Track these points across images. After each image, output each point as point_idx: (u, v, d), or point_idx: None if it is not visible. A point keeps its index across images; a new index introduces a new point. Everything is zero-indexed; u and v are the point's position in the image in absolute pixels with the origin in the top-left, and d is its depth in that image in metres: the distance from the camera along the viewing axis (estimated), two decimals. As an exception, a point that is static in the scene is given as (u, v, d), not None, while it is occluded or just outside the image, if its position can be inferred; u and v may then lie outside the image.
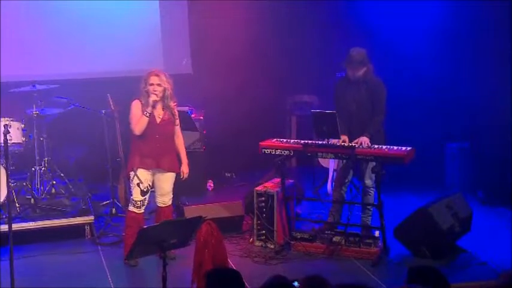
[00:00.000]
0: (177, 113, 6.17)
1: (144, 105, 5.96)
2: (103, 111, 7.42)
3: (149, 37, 8.76)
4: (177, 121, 6.17)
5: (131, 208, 6.10)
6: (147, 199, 6.13)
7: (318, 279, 3.54)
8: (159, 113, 6.04)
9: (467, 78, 8.27)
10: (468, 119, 8.34)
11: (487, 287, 5.15)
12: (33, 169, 7.31)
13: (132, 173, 6.03)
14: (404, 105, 7.83)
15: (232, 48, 8.76)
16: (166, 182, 6.16)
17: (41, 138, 7.42)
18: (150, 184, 6.10)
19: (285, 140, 6.70)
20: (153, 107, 5.95)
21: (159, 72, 6.03)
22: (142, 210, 6.13)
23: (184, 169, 6.23)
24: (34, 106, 7.29)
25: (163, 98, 6.01)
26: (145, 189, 6.05)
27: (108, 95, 7.45)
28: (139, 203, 6.06)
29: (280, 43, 9.10)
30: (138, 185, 6.01)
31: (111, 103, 7.43)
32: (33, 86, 7.34)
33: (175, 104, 6.13)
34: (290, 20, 9.10)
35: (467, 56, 8.27)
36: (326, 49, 8.88)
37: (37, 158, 7.33)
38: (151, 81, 5.95)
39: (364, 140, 6.30)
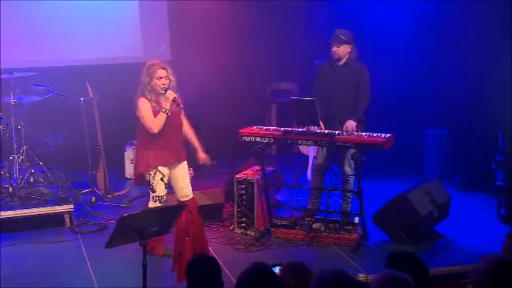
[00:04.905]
0: (181, 102, 5.87)
1: (152, 101, 5.68)
2: (81, 99, 7.37)
3: (128, 24, 8.71)
4: (182, 110, 5.91)
5: (157, 205, 5.81)
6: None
7: (299, 266, 3.56)
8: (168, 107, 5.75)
9: (445, 66, 8.32)
10: (447, 106, 8.40)
11: (465, 272, 5.22)
12: (11, 157, 7.24)
13: (152, 171, 5.77)
14: (383, 93, 7.85)
15: (212, 35, 8.74)
16: (184, 171, 5.95)
17: (19, 127, 7.35)
18: (169, 177, 5.91)
19: (264, 128, 6.71)
20: (175, 101, 5.64)
21: (164, 64, 5.75)
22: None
23: (202, 155, 6.02)
24: (11, 94, 7.22)
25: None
26: (167, 183, 5.85)
27: (86, 82, 7.41)
28: (164, 197, 5.82)
29: (260, 30, 9.09)
30: (161, 179, 5.77)
31: (90, 91, 7.40)
32: (11, 73, 7.27)
33: (177, 93, 5.81)
34: (270, 8, 9.08)
35: (445, 44, 8.32)
36: (306, 37, 8.88)
37: (15, 146, 7.27)
38: (159, 75, 5.65)
39: (351, 125, 6.32)
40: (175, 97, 5.65)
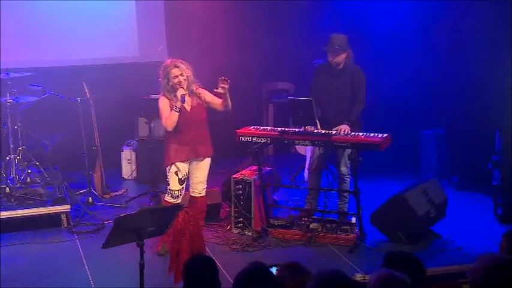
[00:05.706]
0: (203, 91, 5.97)
1: (172, 100, 5.80)
2: (78, 99, 7.36)
3: (124, 24, 8.69)
4: (207, 95, 5.96)
5: (168, 198, 5.92)
6: (184, 189, 5.98)
7: (296, 266, 3.56)
8: (187, 102, 5.87)
9: (443, 66, 8.32)
10: (444, 106, 8.40)
11: (462, 272, 5.23)
12: (7, 158, 7.23)
13: (170, 164, 5.90)
14: (381, 93, 7.86)
15: (209, 35, 8.73)
16: (203, 169, 6.05)
17: (15, 127, 7.34)
18: (187, 172, 5.97)
19: (262, 128, 6.71)
20: (183, 101, 5.77)
21: (176, 62, 5.85)
22: (180, 201, 5.94)
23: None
24: (8, 94, 7.21)
25: (187, 86, 5.86)
26: (183, 178, 5.91)
27: (83, 83, 7.40)
28: (177, 192, 5.91)
29: (257, 30, 9.08)
30: (176, 173, 5.86)
31: (87, 91, 7.39)
32: (7, 73, 7.26)
33: (198, 85, 5.95)
34: (267, 8, 9.07)
35: (443, 44, 8.31)
36: (303, 37, 8.88)
37: (11, 146, 7.26)
38: (174, 74, 5.78)
39: (345, 128, 6.31)
40: (183, 94, 5.78)
